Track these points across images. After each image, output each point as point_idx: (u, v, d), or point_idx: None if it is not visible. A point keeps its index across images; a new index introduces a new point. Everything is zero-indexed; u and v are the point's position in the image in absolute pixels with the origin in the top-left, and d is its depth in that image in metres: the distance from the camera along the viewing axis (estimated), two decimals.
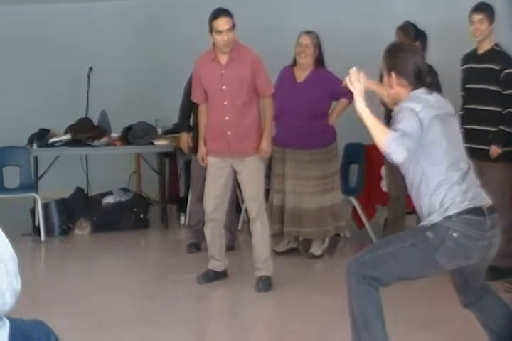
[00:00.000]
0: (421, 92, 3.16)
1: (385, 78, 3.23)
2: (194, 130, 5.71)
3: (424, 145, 3.05)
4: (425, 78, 3.18)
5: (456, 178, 3.06)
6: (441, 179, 3.06)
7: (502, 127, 4.81)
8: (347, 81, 3.16)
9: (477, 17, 4.88)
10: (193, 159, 5.84)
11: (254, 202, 4.92)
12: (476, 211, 3.04)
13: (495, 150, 4.77)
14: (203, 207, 5.08)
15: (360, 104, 3.10)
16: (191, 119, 5.97)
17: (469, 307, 3.38)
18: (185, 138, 6.06)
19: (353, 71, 3.15)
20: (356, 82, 3.13)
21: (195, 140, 5.48)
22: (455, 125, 3.25)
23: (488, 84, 4.82)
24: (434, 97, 3.17)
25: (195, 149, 5.44)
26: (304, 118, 5.49)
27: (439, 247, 3.01)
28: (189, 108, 5.82)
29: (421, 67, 3.18)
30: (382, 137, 2.97)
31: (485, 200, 3.11)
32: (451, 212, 3.02)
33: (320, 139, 5.59)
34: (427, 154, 3.07)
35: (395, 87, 3.19)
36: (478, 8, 4.91)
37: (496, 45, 4.93)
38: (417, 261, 3.10)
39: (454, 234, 3.00)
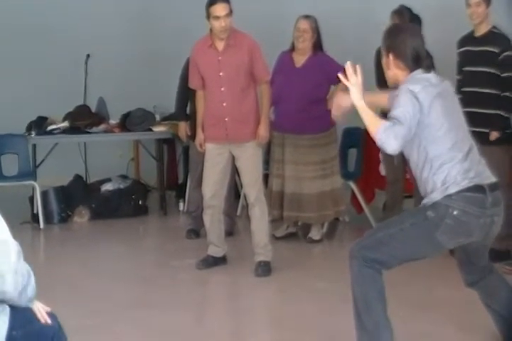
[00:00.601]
0: (419, 73, 3.15)
1: (384, 59, 3.22)
2: (192, 117, 5.71)
3: (425, 126, 3.05)
4: (423, 61, 3.17)
5: (459, 157, 3.07)
6: (444, 159, 3.07)
7: (500, 112, 4.80)
8: (341, 76, 3.15)
9: (474, 0, 4.86)
10: (192, 145, 5.84)
11: (253, 188, 4.93)
12: (477, 188, 3.05)
13: (494, 135, 4.78)
14: (201, 193, 5.08)
15: (356, 97, 3.12)
16: (188, 107, 5.97)
17: (472, 287, 3.40)
18: (183, 128, 6.06)
19: (348, 66, 3.13)
20: (352, 76, 3.12)
21: (194, 127, 5.48)
22: (457, 103, 3.24)
23: (486, 67, 4.81)
24: (432, 75, 3.16)
25: (193, 136, 5.44)
26: (303, 103, 5.49)
27: (439, 225, 3.03)
28: (186, 96, 5.82)
29: (419, 50, 3.16)
30: (375, 129, 3.04)
31: (488, 178, 3.12)
32: (452, 190, 3.04)
33: (319, 124, 5.58)
34: (429, 135, 3.07)
35: (392, 69, 3.20)
36: None
37: (494, 27, 4.92)
38: (418, 241, 3.11)
39: (454, 212, 3.02)
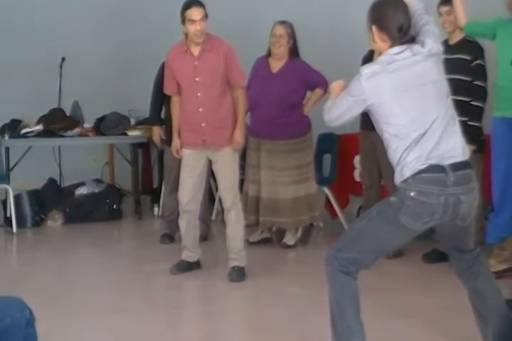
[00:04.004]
0: (393, 53, 3.12)
1: (369, 32, 3.20)
2: (167, 122, 5.70)
3: (376, 107, 3.10)
4: (406, 34, 3.14)
5: (412, 138, 3.07)
6: (396, 140, 3.09)
7: (471, 123, 4.82)
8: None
9: (444, 8, 4.95)
10: (166, 150, 5.83)
11: (229, 192, 4.92)
12: (434, 168, 3.06)
13: (470, 148, 4.79)
14: (176, 198, 5.08)
15: (337, 89, 3.31)
16: (163, 112, 5.96)
17: (461, 277, 3.40)
18: (157, 132, 6.05)
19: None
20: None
21: (169, 132, 5.46)
22: (430, 74, 3.16)
23: (459, 74, 4.85)
24: (403, 55, 3.10)
25: (168, 140, 5.43)
26: (279, 108, 5.51)
27: (401, 208, 3.06)
28: (160, 101, 5.81)
29: (402, 22, 3.13)
30: (328, 101, 3.29)
31: (451, 158, 3.10)
32: (406, 174, 3.07)
33: (295, 129, 5.60)
34: (380, 116, 3.12)
35: (377, 42, 3.18)
36: (445, 0, 4.96)
37: (467, 35, 4.97)
38: (386, 229, 3.13)
39: (412, 194, 3.04)
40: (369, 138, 5.16)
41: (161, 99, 5.73)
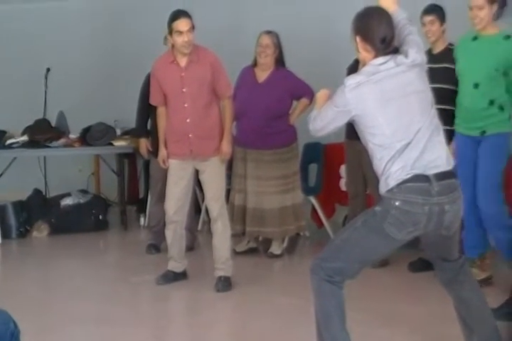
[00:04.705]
0: (377, 63, 3.15)
1: (353, 42, 3.24)
2: (153, 133, 5.69)
3: (360, 117, 3.13)
4: (389, 45, 3.17)
5: (397, 148, 3.09)
6: (381, 150, 3.11)
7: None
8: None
9: (428, 18, 4.98)
10: (152, 160, 5.83)
11: (216, 202, 4.92)
12: (418, 178, 3.07)
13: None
14: (162, 208, 5.07)
15: (322, 99, 3.35)
16: (149, 123, 5.95)
17: (446, 286, 3.42)
18: (143, 144, 6.04)
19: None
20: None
21: (155, 143, 5.46)
22: (413, 84, 3.18)
23: (444, 83, 4.87)
24: (386, 66, 3.14)
25: (155, 152, 5.43)
26: (265, 118, 5.52)
27: (385, 218, 3.07)
28: (146, 113, 5.80)
29: (386, 33, 3.16)
30: (314, 111, 3.33)
31: (436, 168, 3.11)
32: (391, 184, 3.08)
33: (281, 139, 5.62)
34: (365, 125, 3.15)
35: (361, 52, 3.22)
36: (428, 10, 5.01)
37: (450, 44, 5.01)
38: (371, 238, 3.14)
39: (396, 203, 3.06)
40: (354, 147, 5.17)
41: (147, 110, 5.73)
